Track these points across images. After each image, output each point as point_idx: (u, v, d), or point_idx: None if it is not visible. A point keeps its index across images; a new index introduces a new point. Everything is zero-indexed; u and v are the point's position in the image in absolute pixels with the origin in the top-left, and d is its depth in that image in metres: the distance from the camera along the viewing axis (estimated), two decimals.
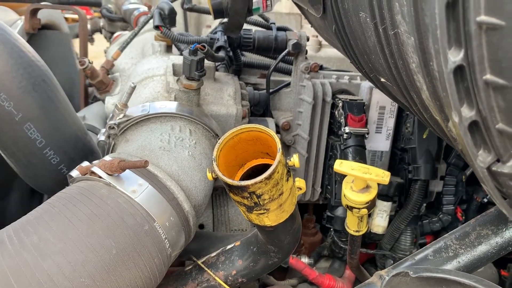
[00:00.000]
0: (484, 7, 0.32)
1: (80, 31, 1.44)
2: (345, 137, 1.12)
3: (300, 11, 1.00)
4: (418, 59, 0.46)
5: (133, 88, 0.81)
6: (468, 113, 0.38)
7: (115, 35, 1.66)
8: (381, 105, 1.21)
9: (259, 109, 1.17)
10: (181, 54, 1.16)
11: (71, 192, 0.68)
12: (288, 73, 1.35)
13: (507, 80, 0.33)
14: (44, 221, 0.64)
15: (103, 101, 1.18)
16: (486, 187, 0.43)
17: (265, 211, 0.63)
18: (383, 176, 0.69)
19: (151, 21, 1.21)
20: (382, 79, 0.65)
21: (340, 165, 0.71)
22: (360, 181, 0.72)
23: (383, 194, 1.18)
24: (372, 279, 0.88)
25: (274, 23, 1.26)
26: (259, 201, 0.61)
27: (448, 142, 0.62)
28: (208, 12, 1.11)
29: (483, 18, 0.32)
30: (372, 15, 0.53)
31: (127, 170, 0.70)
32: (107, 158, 0.72)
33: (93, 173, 0.70)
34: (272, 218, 0.66)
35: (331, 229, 1.24)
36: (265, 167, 0.64)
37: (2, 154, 0.83)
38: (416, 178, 1.17)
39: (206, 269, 0.85)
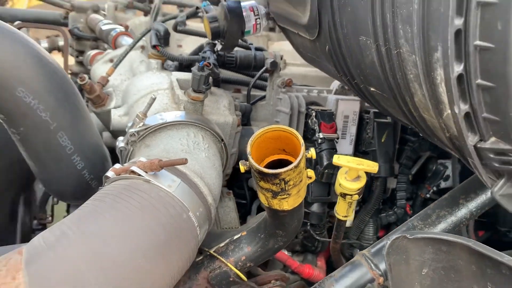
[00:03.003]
0: (479, 35, 0.49)
1: (65, 48, 1.48)
2: (319, 141, 1.28)
3: (284, 33, 1.15)
4: (417, 71, 0.62)
5: (154, 99, 0.91)
6: (463, 106, 0.54)
7: (91, 53, 1.71)
8: (345, 115, 1.39)
9: (243, 119, 1.30)
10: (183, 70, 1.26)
11: (115, 188, 0.77)
12: (261, 88, 1.50)
13: (494, 82, 0.50)
14: (99, 213, 0.72)
15: (96, 113, 1.25)
16: (471, 160, 0.59)
17: (287, 196, 0.76)
18: (373, 166, 0.85)
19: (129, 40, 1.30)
20: (372, 89, 0.82)
21: (338, 159, 0.86)
22: (353, 172, 0.88)
23: None
24: (356, 258, 1.04)
25: (252, 44, 1.40)
26: (285, 187, 0.74)
27: (425, 134, 0.79)
28: (197, 34, 1.23)
29: (478, 42, 0.49)
30: (375, 39, 0.69)
31: (162, 169, 0.80)
32: (143, 159, 0.81)
33: (132, 172, 0.79)
34: (290, 202, 0.79)
35: (307, 225, 1.39)
36: (280, 162, 0.78)
37: (29, 161, 0.89)
38: (377, 176, 1.36)
39: (218, 256, 0.96)
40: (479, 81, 0.51)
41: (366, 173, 1.40)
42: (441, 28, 0.52)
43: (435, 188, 1.55)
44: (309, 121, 1.33)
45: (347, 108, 1.39)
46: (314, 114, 1.30)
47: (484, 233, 1.82)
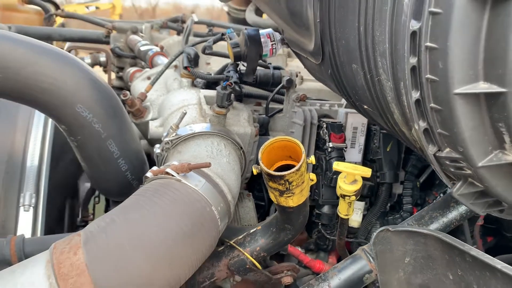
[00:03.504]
0: (429, 70, 0.64)
1: (108, 65, 1.69)
2: (329, 150, 1.43)
3: (297, 57, 1.31)
4: (393, 95, 0.77)
5: (185, 114, 1.09)
6: (422, 124, 0.69)
7: (131, 70, 1.92)
8: (354, 126, 1.54)
9: (262, 129, 1.46)
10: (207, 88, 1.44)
11: (153, 186, 0.94)
12: (279, 101, 1.66)
13: (441, 106, 0.65)
14: (140, 205, 0.90)
15: (135, 124, 1.44)
16: (433, 166, 0.74)
17: (292, 194, 0.92)
18: (367, 171, 1.00)
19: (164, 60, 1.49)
20: (365, 106, 0.97)
21: (337, 165, 1.02)
22: (351, 176, 1.03)
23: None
24: (357, 252, 1.19)
25: (271, 63, 1.57)
26: (289, 187, 0.90)
27: (409, 145, 0.94)
28: (223, 56, 1.41)
29: (428, 76, 0.64)
30: (363, 67, 0.84)
31: (190, 171, 0.97)
32: (175, 163, 0.99)
33: (166, 173, 0.97)
34: (295, 200, 0.95)
35: (319, 225, 1.54)
36: (287, 166, 0.93)
37: (83, 164, 1.08)
38: (383, 181, 1.50)
39: (237, 246, 1.12)
40: (432, 104, 0.66)
41: (371, 180, 1.54)
42: (402, 64, 0.67)
43: (441, 195, 1.67)
44: (321, 132, 1.49)
45: (356, 121, 1.53)
46: (325, 125, 1.46)
47: (492, 239, 1.92)
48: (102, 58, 2.55)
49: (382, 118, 0.90)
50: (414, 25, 0.64)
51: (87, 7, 9.78)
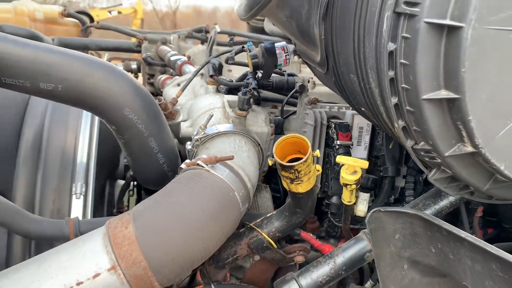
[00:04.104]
0: (403, 81, 0.82)
1: (143, 73, 1.91)
2: (337, 147, 1.61)
3: (308, 66, 1.50)
4: (380, 100, 0.95)
5: (211, 116, 1.29)
6: (401, 123, 0.87)
7: (162, 77, 2.14)
8: (360, 126, 1.71)
9: (277, 129, 1.65)
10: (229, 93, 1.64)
11: (187, 175, 1.14)
12: (293, 104, 1.85)
13: (414, 109, 0.82)
14: (177, 190, 1.09)
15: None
16: (413, 157, 0.92)
17: (300, 181, 1.11)
18: (364, 163, 1.18)
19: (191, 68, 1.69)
20: (363, 109, 1.15)
21: (340, 158, 1.20)
22: (351, 167, 1.21)
23: (364, 186, 1.66)
24: (359, 234, 1.36)
25: (285, 71, 1.76)
26: (298, 175, 1.08)
27: (396, 140, 1.11)
28: (243, 65, 1.60)
29: (403, 85, 0.82)
30: (358, 77, 1.02)
31: (217, 163, 1.17)
32: (204, 156, 1.19)
33: (197, 165, 1.17)
34: (303, 187, 1.13)
35: (329, 214, 1.71)
36: (297, 158, 1.12)
37: (128, 158, 1.29)
38: (386, 175, 1.66)
39: (256, 228, 1.31)
40: (407, 107, 0.84)
41: (375, 174, 1.71)
42: (384, 76, 0.85)
43: None
44: (330, 131, 1.66)
45: (362, 121, 1.70)
46: (333, 125, 1.63)
47: (492, 231, 2.06)
48: (133, 66, 2.78)
49: (375, 118, 1.08)
50: (391, 46, 0.82)
51: (110, 12, 9.98)
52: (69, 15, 3.15)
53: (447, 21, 0.73)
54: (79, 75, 1.15)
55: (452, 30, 0.74)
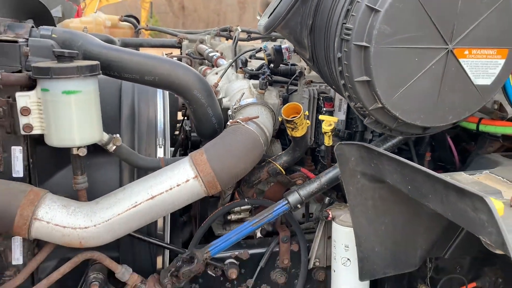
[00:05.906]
0: (346, 72, 1.57)
1: (193, 66, 2.67)
2: (323, 112, 2.36)
3: (303, 59, 2.24)
4: (338, 81, 1.70)
5: (243, 94, 2.05)
6: (347, 94, 1.63)
7: (203, 68, 2.89)
8: (340, 98, 2.45)
9: (284, 102, 2.41)
10: (251, 78, 2.40)
11: (232, 128, 1.90)
12: (295, 85, 2.59)
13: (352, 86, 1.57)
14: (225, 137, 1.86)
15: None
16: (355, 112, 1.67)
17: (297, 129, 1.87)
18: (334, 119, 1.94)
19: (223, 61, 2.45)
20: (333, 86, 1.90)
21: (320, 116, 1.96)
22: (327, 121, 1.96)
23: (342, 137, 2.41)
24: (335, 164, 2.13)
25: (289, 61, 2.51)
26: (296, 125, 1.84)
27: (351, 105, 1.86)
28: (261, 59, 2.35)
29: (346, 74, 1.57)
30: (328, 68, 1.77)
31: (249, 121, 1.94)
32: (241, 117, 1.95)
33: (237, 122, 1.93)
34: (299, 133, 1.89)
35: (320, 158, 2.47)
36: (295, 116, 1.88)
37: (195, 121, 2.07)
38: (357, 130, 2.41)
39: (272, 161, 2.08)
40: (349, 85, 1.59)
41: (350, 128, 2.46)
42: (336, 69, 1.61)
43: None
44: (319, 102, 2.41)
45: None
46: (321, 98, 2.38)
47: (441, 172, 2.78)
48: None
49: (338, 92, 1.83)
50: (339, 54, 1.56)
51: None
52: (125, 20, 3.92)
53: (363, 43, 1.48)
54: (168, 71, 1.91)
55: (366, 47, 1.48)
